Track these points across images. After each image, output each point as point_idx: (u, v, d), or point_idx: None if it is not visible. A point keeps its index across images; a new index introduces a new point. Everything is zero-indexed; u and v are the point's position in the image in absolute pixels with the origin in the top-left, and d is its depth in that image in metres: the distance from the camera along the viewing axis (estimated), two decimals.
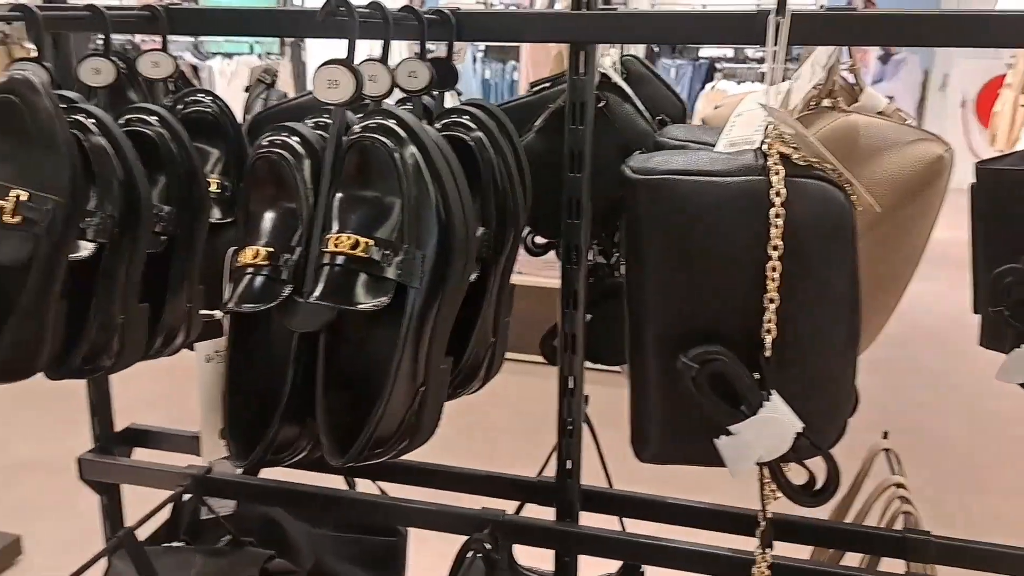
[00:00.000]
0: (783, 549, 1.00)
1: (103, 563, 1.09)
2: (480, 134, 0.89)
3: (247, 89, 1.43)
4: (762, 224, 0.68)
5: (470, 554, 1.07)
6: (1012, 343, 0.82)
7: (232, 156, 1.06)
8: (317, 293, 0.74)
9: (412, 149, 0.77)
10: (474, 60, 7.90)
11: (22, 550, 2.41)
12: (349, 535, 1.39)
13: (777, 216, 0.67)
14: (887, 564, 1.12)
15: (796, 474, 0.75)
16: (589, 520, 1.13)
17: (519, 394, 3.38)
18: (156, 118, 0.93)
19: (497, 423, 3.28)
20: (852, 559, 1.17)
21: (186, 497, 1.24)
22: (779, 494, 0.77)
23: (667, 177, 0.71)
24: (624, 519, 1.26)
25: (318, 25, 0.79)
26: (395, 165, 0.75)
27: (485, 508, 1.12)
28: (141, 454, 1.34)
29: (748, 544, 0.98)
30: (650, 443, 0.78)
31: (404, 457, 1.12)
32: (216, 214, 1.01)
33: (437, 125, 0.90)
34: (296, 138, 0.79)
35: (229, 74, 7.13)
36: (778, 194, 0.67)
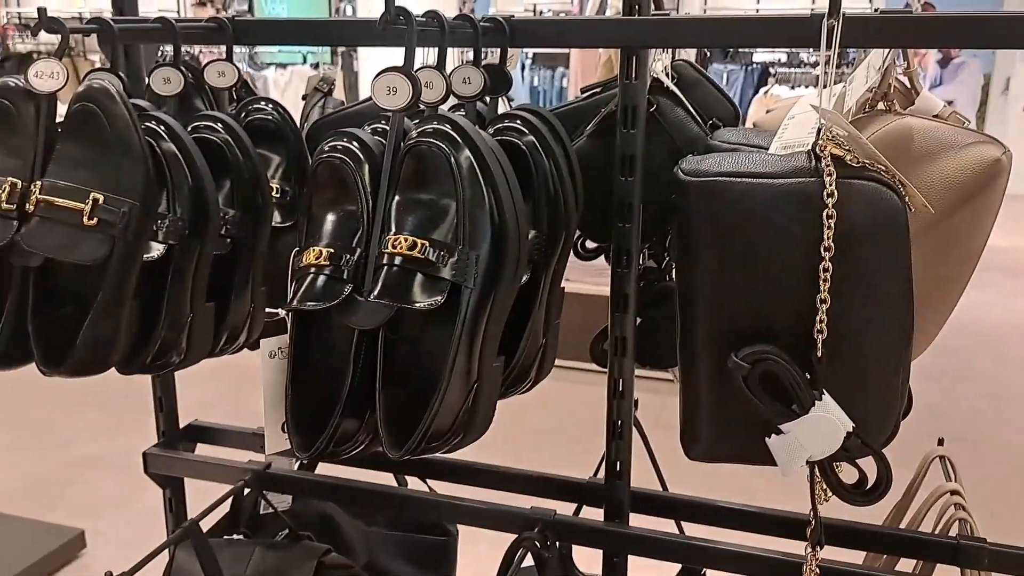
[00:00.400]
0: (835, 554, 1.00)
1: (165, 556, 1.13)
2: (532, 138, 0.90)
3: (304, 97, 1.48)
4: (814, 225, 0.68)
5: (520, 552, 1.08)
6: None
7: (292, 162, 1.09)
8: (376, 292, 0.76)
9: (467, 153, 0.79)
10: (522, 67, 7.95)
11: (86, 544, 2.49)
12: (401, 533, 1.42)
13: (829, 217, 0.68)
14: (941, 571, 1.11)
15: (847, 474, 0.75)
16: (639, 523, 1.13)
17: (566, 400, 3.39)
18: (222, 125, 0.97)
19: (544, 428, 3.29)
20: (906, 565, 1.16)
21: (246, 492, 1.27)
22: (830, 494, 0.77)
23: (719, 179, 0.72)
24: (679, 523, 1.26)
25: (378, 33, 0.82)
26: (451, 169, 0.78)
27: (535, 507, 1.13)
28: (202, 450, 1.39)
29: (798, 548, 0.98)
30: (700, 441, 0.79)
31: (454, 457, 1.15)
32: (276, 218, 1.05)
33: (490, 130, 0.92)
34: (356, 143, 0.82)
35: (283, 84, 7.29)
36: (830, 195, 0.68)
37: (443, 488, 1.27)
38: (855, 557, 1.14)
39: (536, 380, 1.00)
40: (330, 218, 0.81)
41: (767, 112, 1.19)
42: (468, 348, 0.78)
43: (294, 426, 0.82)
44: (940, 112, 1.02)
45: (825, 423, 0.70)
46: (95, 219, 0.81)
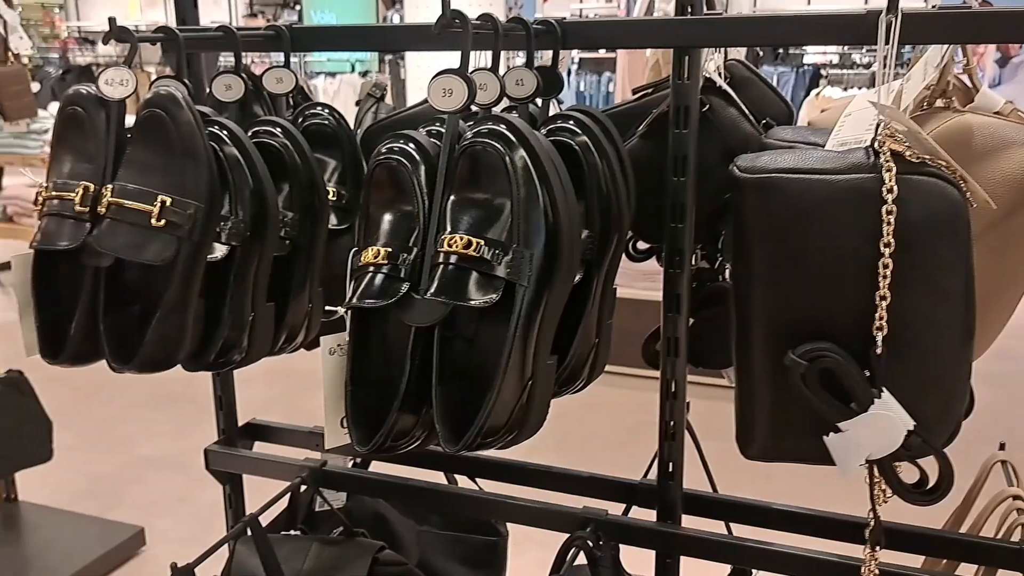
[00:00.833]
0: (893, 558, 0.98)
1: (224, 552, 1.16)
2: (585, 138, 0.91)
3: (358, 103, 1.51)
4: (874, 221, 0.68)
5: (572, 551, 1.09)
6: None
7: (348, 166, 1.11)
8: (432, 290, 0.78)
9: (521, 153, 0.80)
10: (568, 72, 7.95)
11: (145, 541, 2.56)
12: (452, 533, 1.43)
13: (889, 213, 0.67)
14: None
15: (907, 474, 0.74)
16: (690, 524, 1.13)
17: (614, 405, 3.38)
18: (280, 130, 1.00)
19: (593, 433, 3.28)
20: (967, 570, 1.14)
21: (302, 490, 1.30)
22: (889, 494, 0.77)
23: (776, 175, 0.72)
24: (729, 525, 1.25)
25: (433, 37, 0.83)
26: (505, 168, 0.79)
27: (587, 507, 1.14)
28: (260, 448, 1.42)
29: (853, 552, 0.97)
30: (756, 440, 0.78)
31: (504, 456, 1.16)
32: (333, 220, 1.07)
33: (543, 131, 0.92)
34: (412, 145, 0.84)
35: (332, 92, 7.41)
36: (890, 191, 0.67)
37: (492, 488, 1.28)
38: (913, 561, 1.12)
39: (588, 380, 1.01)
40: (387, 218, 0.83)
41: (821, 112, 1.18)
42: (523, 345, 0.78)
43: (354, 421, 0.84)
44: (1001, 109, 1.00)
45: (885, 421, 0.70)
46: (163, 221, 0.84)
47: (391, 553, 1.23)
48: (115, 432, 3.32)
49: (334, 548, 1.22)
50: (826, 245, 0.70)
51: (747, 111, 1.07)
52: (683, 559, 1.12)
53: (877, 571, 0.82)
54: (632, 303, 2.60)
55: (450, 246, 0.78)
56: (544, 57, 1.02)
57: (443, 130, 0.84)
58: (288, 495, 1.28)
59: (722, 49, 1.08)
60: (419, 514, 1.42)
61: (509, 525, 1.39)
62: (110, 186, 0.85)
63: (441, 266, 0.78)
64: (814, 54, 7.25)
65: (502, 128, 0.81)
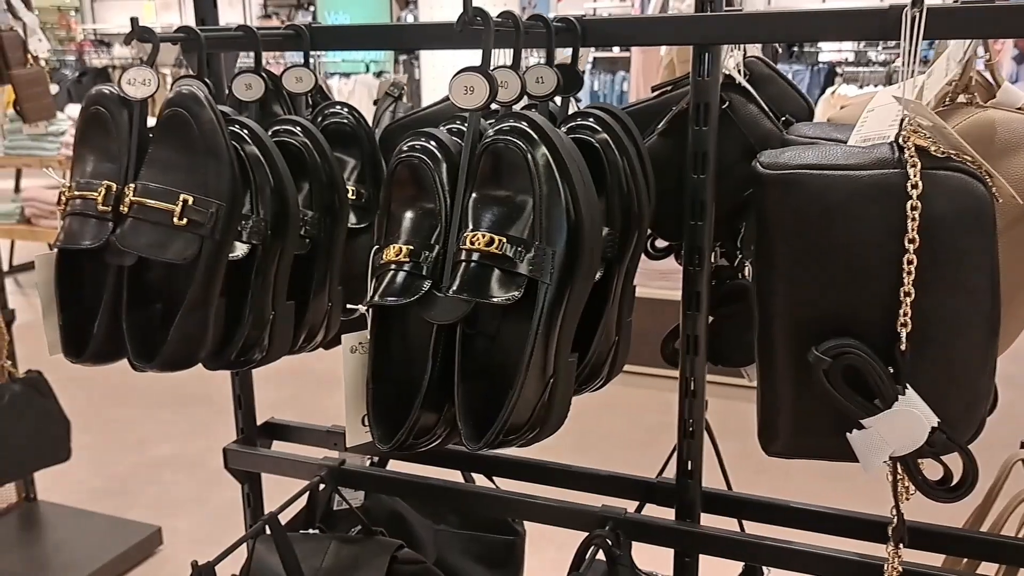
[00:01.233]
0: (914, 556, 0.98)
1: (243, 551, 1.17)
2: (606, 136, 0.91)
3: (376, 103, 1.52)
4: (898, 217, 0.68)
5: (591, 549, 1.08)
6: None
7: (367, 165, 1.12)
8: (454, 287, 0.78)
9: (543, 150, 0.80)
10: (583, 72, 7.94)
11: (163, 540, 2.57)
12: (469, 532, 1.43)
13: (913, 208, 0.67)
14: None
15: (931, 471, 0.74)
16: (708, 523, 1.13)
17: (632, 404, 3.38)
18: (300, 129, 1.00)
19: (610, 432, 3.28)
20: (987, 569, 1.13)
21: (320, 489, 1.30)
22: (912, 492, 0.76)
23: (799, 171, 0.71)
24: (744, 523, 1.25)
25: (453, 36, 0.83)
26: (527, 165, 0.79)
27: (605, 506, 1.14)
28: (278, 447, 1.42)
29: (873, 551, 0.96)
30: (779, 437, 0.78)
31: (522, 455, 1.16)
32: (352, 219, 1.07)
33: (563, 128, 0.92)
34: (434, 142, 0.84)
35: (347, 93, 7.44)
36: (915, 186, 0.67)
37: (510, 487, 1.28)
38: (933, 560, 1.11)
39: (608, 378, 1.01)
40: (409, 216, 0.83)
41: (841, 108, 1.18)
42: (545, 343, 0.78)
43: (375, 419, 0.84)
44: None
45: (909, 418, 0.69)
46: (185, 219, 0.85)
47: (409, 552, 1.23)
48: (132, 432, 3.34)
49: (353, 547, 1.22)
50: (850, 241, 0.70)
51: (767, 108, 1.07)
52: (701, 557, 1.12)
53: (901, 569, 0.82)
54: (649, 302, 2.59)
55: (472, 243, 0.78)
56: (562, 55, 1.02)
57: (463, 128, 0.84)
58: (306, 494, 1.29)
59: (742, 46, 1.08)
60: (437, 513, 1.42)
61: (527, 524, 1.39)
62: (132, 185, 0.86)
63: (463, 263, 0.78)
64: (829, 52, 7.21)
65: (524, 125, 0.81)
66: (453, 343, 0.81)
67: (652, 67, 5.06)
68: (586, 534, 1.10)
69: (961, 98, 0.95)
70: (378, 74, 7.75)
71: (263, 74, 1.05)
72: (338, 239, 1.03)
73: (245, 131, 0.92)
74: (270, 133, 0.97)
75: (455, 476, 1.32)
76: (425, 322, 0.81)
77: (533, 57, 0.98)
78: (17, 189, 5.57)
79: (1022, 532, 1.12)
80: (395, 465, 1.36)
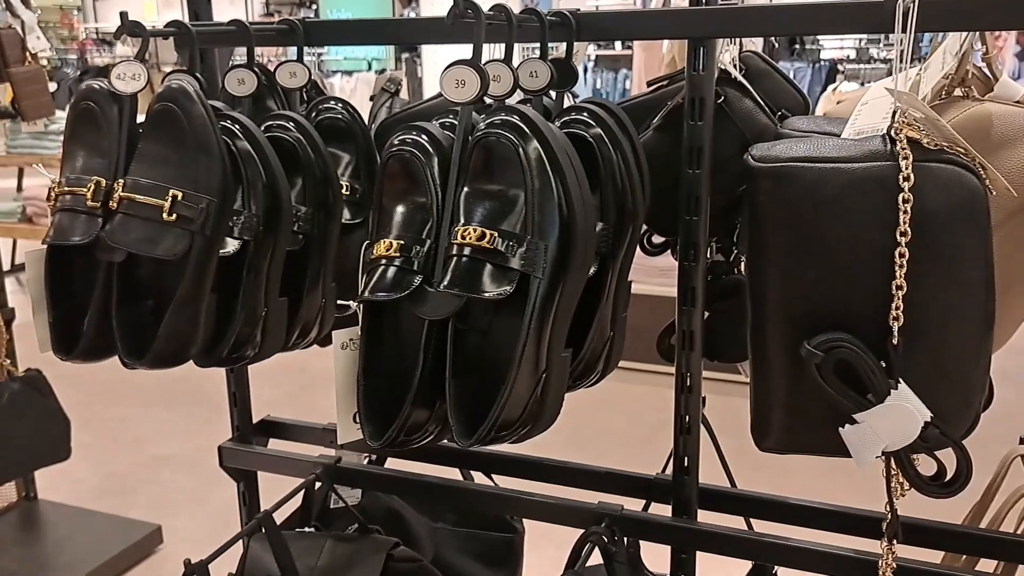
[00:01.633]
0: (913, 553, 0.97)
1: (238, 548, 1.16)
2: (599, 130, 0.90)
3: (372, 98, 1.51)
4: (890, 210, 0.67)
5: (587, 546, 1.08)
6: None
7: (361, 160, 1.11)
8: (445, 282, 0.77)
9: (535, 144, 0.79)
10: (585, 70, 7.94)
11: (162, 539, 2.57)
12: (467, 530, 1.42)
13: (905, 201, 0.66)
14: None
15: (926, 466, 0.73)
16: (706, 519, 1.12)
17: (630, 401, 3.37)
18: (294, 125, 0.99)
19: (609, 429, 3.27)
20: (986, 566, 1.12)
21: (316, 487, 1.30)
22: (907, 488, 0.75)
23: (791, 164, 0.71)
24: (744, 520, 1.24)
25: (446, 29, 0.83)
26: (519, 159, 0.78)
27: (602, 503, 1.13)
28: (274, 445, 1.42)
29: (871, 547, 0.96)
30: (771, 432, 0.77)
31: (520, 452, 1.15)
32: (346, 215, 1.07)
33: (557, 123, 0.92)
34: (425, 136, 0.83)
35: (349, 91, 7.43)
36: (907, 179, 0.66)
37: (509, 484, 1.28)
38: (933, 557, 1.11)
39: (603, 373, 1.00)
40: (400, 210, 0.82)
41: (837, 103, 1.17)
42: (537, 338, 0.78)
43: (366, 415, 0.84)
44: (1021, 98, 0.98)
45: (902, 412, 0.69)
46: (174, 215, 0.84)
47: (405, 550, 1.23)
48: (132, 431, 3.34)
49: (348, 544, 1.21)
50: (842, 234, 0.70)
51: (763, 102, 1.07)
52: (699, 554, 1.11)
53: (894, 565, 0.81)
54: (648, 299, 2.59)
55: (464, 238, 0.77)
56: (559, 50, 1.01)
57: (456, 122, 0.84)
58: (302, 492, 1.28)
59: (737, 40, 1.07)
60: (434, 511, 1.42)
61: (526, 522, 1.38)
62: (122, 181, 0.85)
63: (455, 258, 0.78)
64: (831, 49, 7.20)
65: (515, 119, 0.80)
66: (445, 339, 0.80)
67: (654, 64, 5.06)
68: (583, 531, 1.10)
69: (957, 91, 0.94)
70: (380, 71, 7.75)
71: (256, 69, 1.05)
72: (332, 235, 1.02)
73: (237, 126, 0.92)
74: (263, 128, 0.97)
75: (453, 473, 1.32)
76: (417, 317, 0.80)
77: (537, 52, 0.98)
78: (19, 188, 5.58)
79: (1021, 528, 1.11)
80: (393, 463, 1.35)
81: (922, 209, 0.67)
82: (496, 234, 0.77)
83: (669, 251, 1.15)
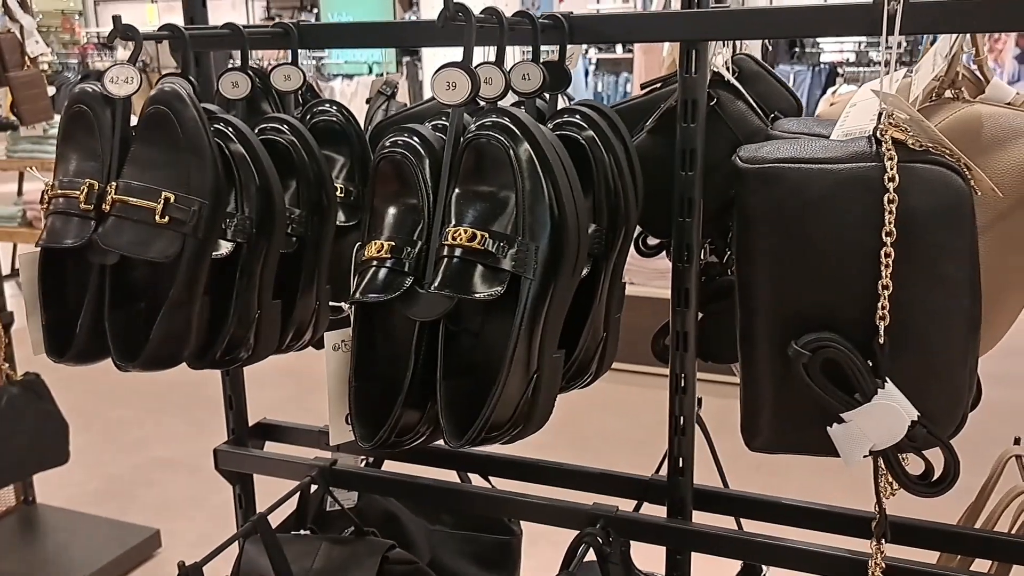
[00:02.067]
0: (908, 553, 0.97)
1: (234, 551, 1.16)
2: (592, 133, 0.91)
3: (368, 101, 1.51)
4: (875, 210, 0.67)
5: (582, 547, 1.08)
6: None
7: (356, 162, 1.11)
8: (436, 283, 0.77)
9: (526, 145, 0.80)
10: (586, 73, 7.96)
11: (161, 543, 2.57)
12: (464, 532, 1.42)
13: (891, 202, 0.67)
14: (1019, 573, 1.07)
15: (916, 466, 0.74)
16: (701, 520, 1.12)
17: (631, 402, 3.37)
18: (288, 127, 1.00)
19: (607, 430, 3.27)
20: (981, 566, 1.13)
21: (313, 490, 1.30)
22: (896, 488, 0.76)
23: (778, 165, 0.71)
24: (741, 521, 1.25)
25: (438, 32, 0.83)
26: (510, 161, 0.79)
27: (597, 504, 1.13)
28: (271, 448, 1.42)
29: (865, 547, 0.96)
30: (761, 432, 0.78)
31: (516, 454, 1.16)
32: (341, 217, 1.07)
33: (549, 125, 0.92)
34: (417, 139, 0.84)
35: (349, 94, 7.44)
36: (892, 179, 0.67)
37: (505, 486, 1.28)
38: (928, 557, 1.11)
39: (596, 374, 1.00)
40: (392, 212, 0.83)
41: (830, 105, 1.17)
42: (528, 339, 0.78)
43: (357, 417, 0.84)
44: (1013, 100, 0.99)
45: (888, 412, 0.69)
46: (167, 217, 0.84)
47: (401, 552, 1.23)
48: (130, 434, 3.35)
49: (344, 547, 1.22)
50: (828, 234, 0.70)
51: (756, 105, 1.07)
52: (694, 555, 1.11)
53: (884, 564, 0.81)
54: (648, 301, 2.59)
55: (454, 239, 0.78)
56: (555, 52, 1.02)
57: (448, 124, 0.84)
58: (298, 495, 1.28)
59: (730, 43, 1.08)
60: (431, 514, 1.42)
61: (524, 524, 1.38)
62: (115, 183, 0.86)
63: (446, 259, 0.78)
64: (831, 52, 7.21)
65: (506, 121, 0.81)
66: (436, 340, 0.80)
67: (655, 67, 5.06)
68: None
69: (948, 93, 0.95)
70: (381, 75, 7.76)
71: (250, 72, 1.05)
72: (326, 237, 1.03)
73: (230, 129, 0.92)
74: (257, 131, 0.97)
75: (450, 476, 1.32)
76: (408, 319, 0.81)
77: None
78: (20, 192, 5.59)
79: (1015, 528, 1.11)
80: (389, 465, 1.35)
81: (907, 209, 0.67)
82: (487, 235, 0.77)
83: (664, 252, 1.16)
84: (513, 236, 0.78)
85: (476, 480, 1.38)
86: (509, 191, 0.79)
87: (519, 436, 0.83)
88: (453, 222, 0.79)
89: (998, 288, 0.87)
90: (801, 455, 0.79)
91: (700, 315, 1.07)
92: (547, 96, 1.01)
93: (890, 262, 0.68)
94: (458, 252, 0.77)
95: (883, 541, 0.82)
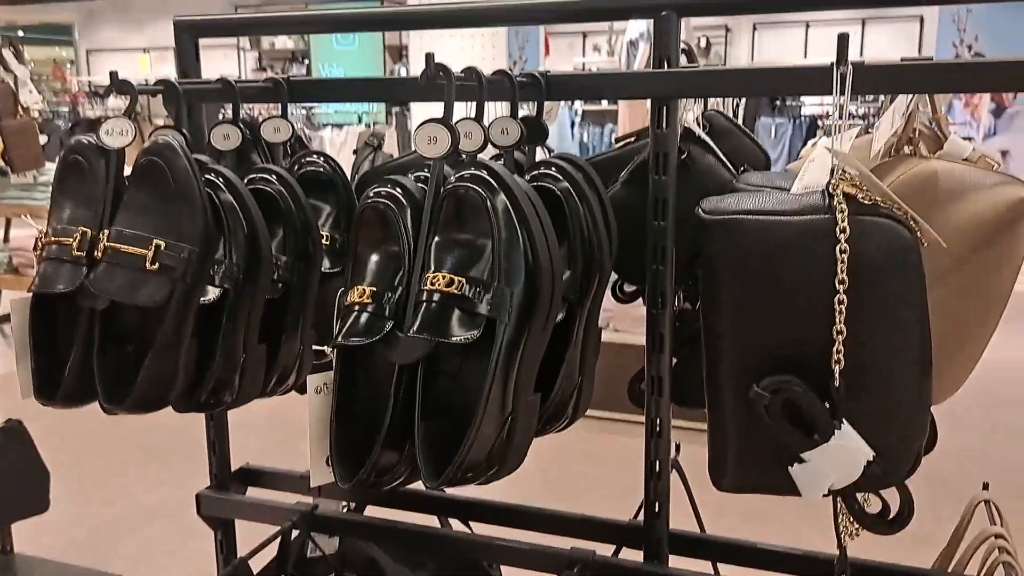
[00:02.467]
0: None
1: None
2: (567, 184, 0.95)
3: (355, 152, 1.55)
4: (828, 259, 0.71)
5: None
6: None
7: (343, 211, 1.15)
8: (415, 327, 0.80)
9: (502, 196, 0.84)
10: (572, 124, 8.09)
11: None
12: None
13: (842, 252, 0.71)
14: None
15: (874, 505, 0.76)
16: (680, 565, 1.14)
17: (611, 450, 3.37)
18: (276, 177, 1.03)
19: (587, 477, 3.27)
20: None
21: (294, 535, 1.31)
22: (859, 529, 0.78)
23: (737, 216, 0.75)
24: (717, 566, 1.26)
25: (420, 89, 0.88)
26: (487, 210, 0.82)
27: (575, 548, 1.15)
28: (253, 494, 1.43)
29: None
30: (728, 471, 0.81)
31: (496, 499, 1.17)
32: (326, 264, 1.10)
33: (527, 177, 0.96)
34: (399, 189, 0.87)
35: (339, 143, 7.52)
36: (843, 230, 0.71)
37: (485, 531, 1.29)
38: None
39: (572, 419, 1.03)
40: (374, 259, 0.86)
41: (800, 158, 1.22)
42: (503, 381, 0.81)
43: (337, 458, 0.86)
44: (970, 156, 1.04)
45: (845, 451, 0.72)
46: (157, 264, 0.87)
47: None
48: (111, 483, 3.32)
49: None
50: (786, 282, 0.74)
51: (725, 159, 1.12)
52: None
53: None
54: (632, 348, 2.60)
55: (433, 284, 0.81)
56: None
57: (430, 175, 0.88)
58: (279, 540, 1.29)
59: (700, 100, 1.13)
60: (413, 560, 1.42)
61: (503, 570, 1.39)
62: (107, 231, 0.89)
63: (424, 303, 0.81)
64: (811, 105, 7.36)
65: (483, 173, 0.85)
66: (415, 382, 0.83)
67: (639, 118, 5.16)
68: None
69: (906, 149, 1.00)
70: (370, 126, 7.86)
71: (240, 125, 1.09)
72: (311, 284, 1.06)
73: (220, 179, 0.96)
74: (246, 181, 1.01)
75: (431, 521, 1.33)
76: (388, 362, 0.83)
77: (524, 109, 1.02)
78: (6, 239, 5.60)
79: (984, 572, 1.13)
80: (371, 511, 1.36)
81: (858, 259, 0.71)
82: (464, 280, 0.80)
83: (640, 298, 1.19)
84: (489, 282, 0.81)
85: (456, 525, 1.39)
86: (486, 239, 0.83)
87: (494, 477, 0.85)
88: (432, 268, 0.82)
89: (957, 332, 0.91)
90: (769, 495, 0.82)
91: (675, 360, 1.10)
92: (526, 149, 1.05)
93: (843, 308, 0.71)
94: (436, 297, 0.81)
95: None
